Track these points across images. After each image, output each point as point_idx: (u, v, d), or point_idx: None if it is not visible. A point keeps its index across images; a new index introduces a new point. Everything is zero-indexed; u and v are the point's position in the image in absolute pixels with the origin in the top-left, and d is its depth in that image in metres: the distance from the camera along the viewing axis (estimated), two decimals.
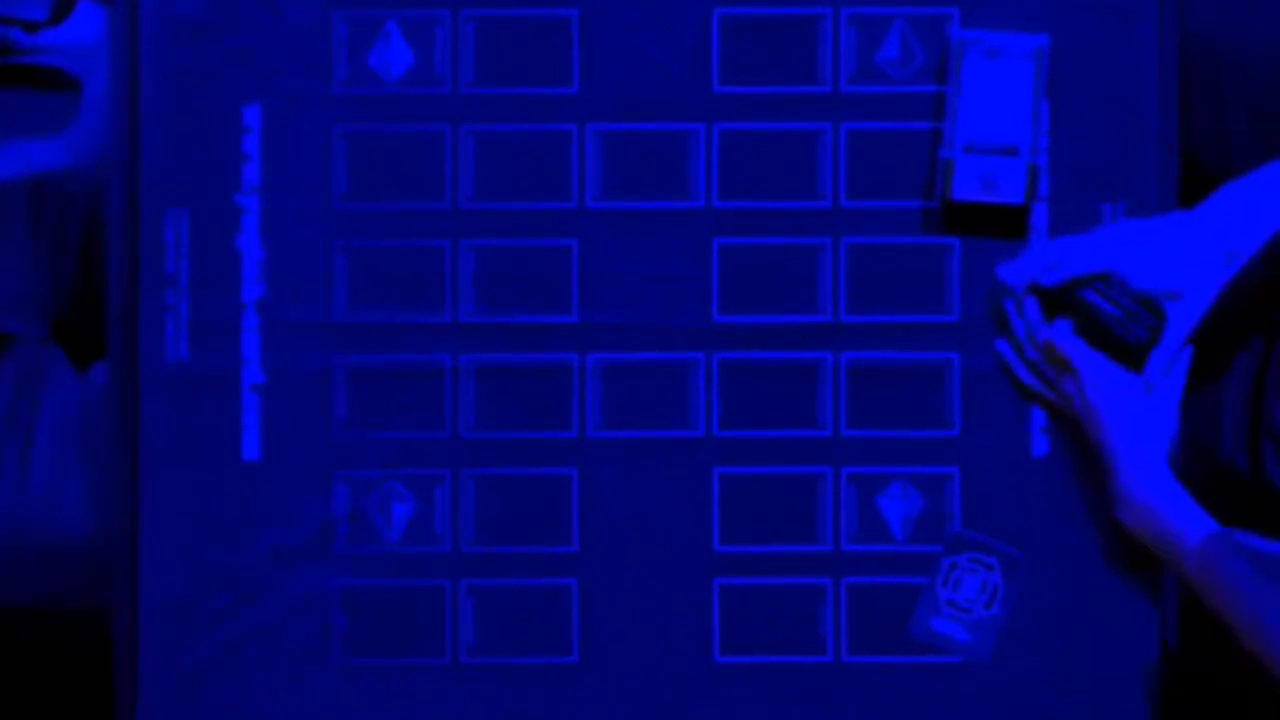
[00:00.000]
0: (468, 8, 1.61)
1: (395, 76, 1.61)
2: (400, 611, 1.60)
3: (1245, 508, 1.51)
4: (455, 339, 1.60)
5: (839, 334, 1.59)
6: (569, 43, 1.60)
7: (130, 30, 1.60)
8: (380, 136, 1.61)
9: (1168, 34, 1.59)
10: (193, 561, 1.59)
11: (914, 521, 1.60)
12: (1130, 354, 1.52)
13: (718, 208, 1.60)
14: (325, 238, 1.60)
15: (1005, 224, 1.59)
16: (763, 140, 1.60)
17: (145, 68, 1.60)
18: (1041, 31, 1.58)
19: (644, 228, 1.60)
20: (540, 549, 1.60)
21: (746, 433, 1.59)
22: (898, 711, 1.59)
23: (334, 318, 1.60)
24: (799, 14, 1.60)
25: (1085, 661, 1.58)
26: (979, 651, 1.59)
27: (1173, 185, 1.58)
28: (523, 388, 1.60)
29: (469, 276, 1.60)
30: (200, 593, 1.59)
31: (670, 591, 1.60)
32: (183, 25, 1.60)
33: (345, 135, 1.61)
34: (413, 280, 1.60)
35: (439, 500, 1.60)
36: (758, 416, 1.60)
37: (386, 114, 1.61)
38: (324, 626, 1.60)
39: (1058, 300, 1.54)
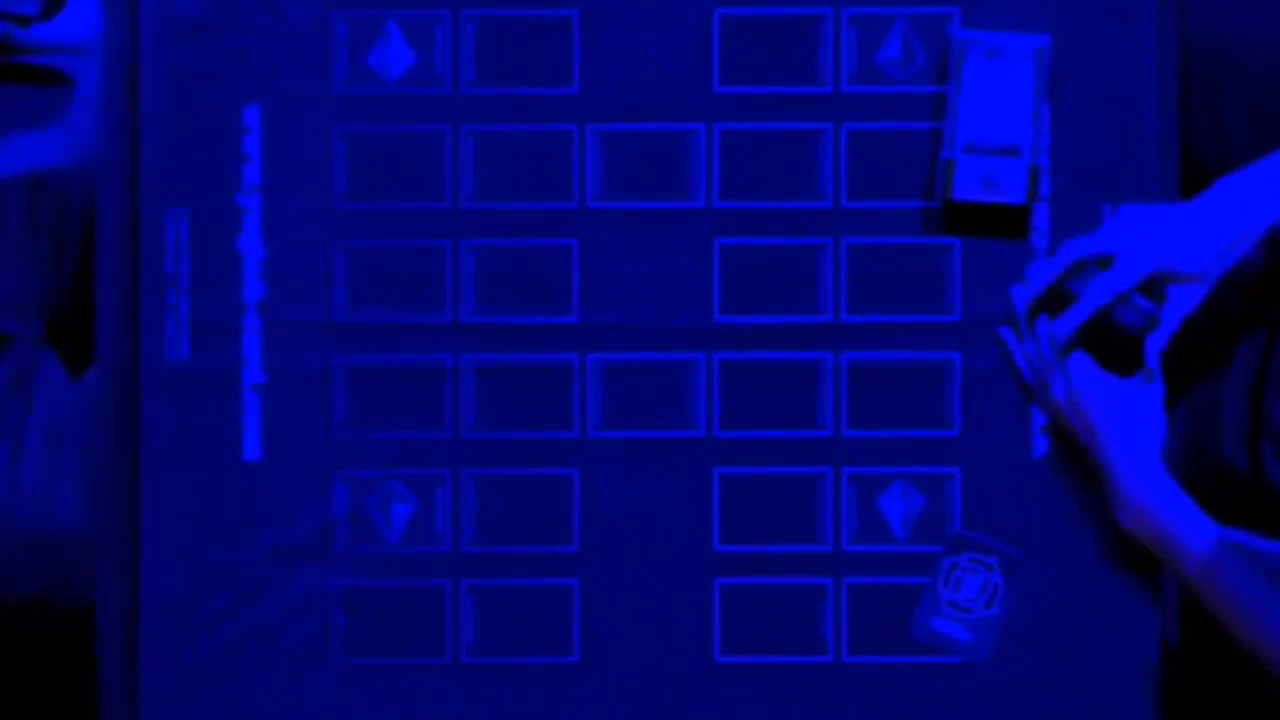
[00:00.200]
0: (468, 8, 1.60)
1: (395, 76, 1.61)
2: (400, 611, 1.60)
3: (1245, 508, 1.51)
4: (456, 339, 1.60)
5: (839, 334, 1.60)
6: (569, 43, 1.60)
7: (130, 30, 1.60)
8: (380, 136, 1.61)
9: (1168, 34, 1.59)
10: (193, 561, 1.59)
11: (914, 521, 1.60)
12: (1127, 343, 1.52)
13: (718, 208, 1.60)
14: (325, 238, 1.60)
15: (1006, 224, 1.59)
16: (763, 140, 1.60)
17: (145, 68, 1.60)
18: (1042, 31, 1.58)
19: (644, 228, 1.60)
20: (541, 549, 1.60)
21: (747, 433, 1.60)
22: (898, 711, 1.60)
23: (334, 318, 1.60)
24: (800, 14, 1.60)
25: (1085, 661, 1.59)
26: (979, 651, 1.59)
27: (1173, 185, 1.58)
28: (523, 388, 1.60)
29: (469, 276, 1.60)
30: (200, 593, 1.59)
31: (671, 591, 1.60)
32: (183, 25, 1.60)
33: (345, 135, 1.61)
34: (413, 280, 1.60)
35: (439, 500, 1.60)
36: (758, 416, 1.60)
37: (387, 114, 1.61)
38: (324, 626, 1.60)
39: (1055, 300, 1.55)
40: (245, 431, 1.60)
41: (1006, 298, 1.59)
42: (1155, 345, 1.52)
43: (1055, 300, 1.55)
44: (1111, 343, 1.53)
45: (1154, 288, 1.52)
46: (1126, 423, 1.52)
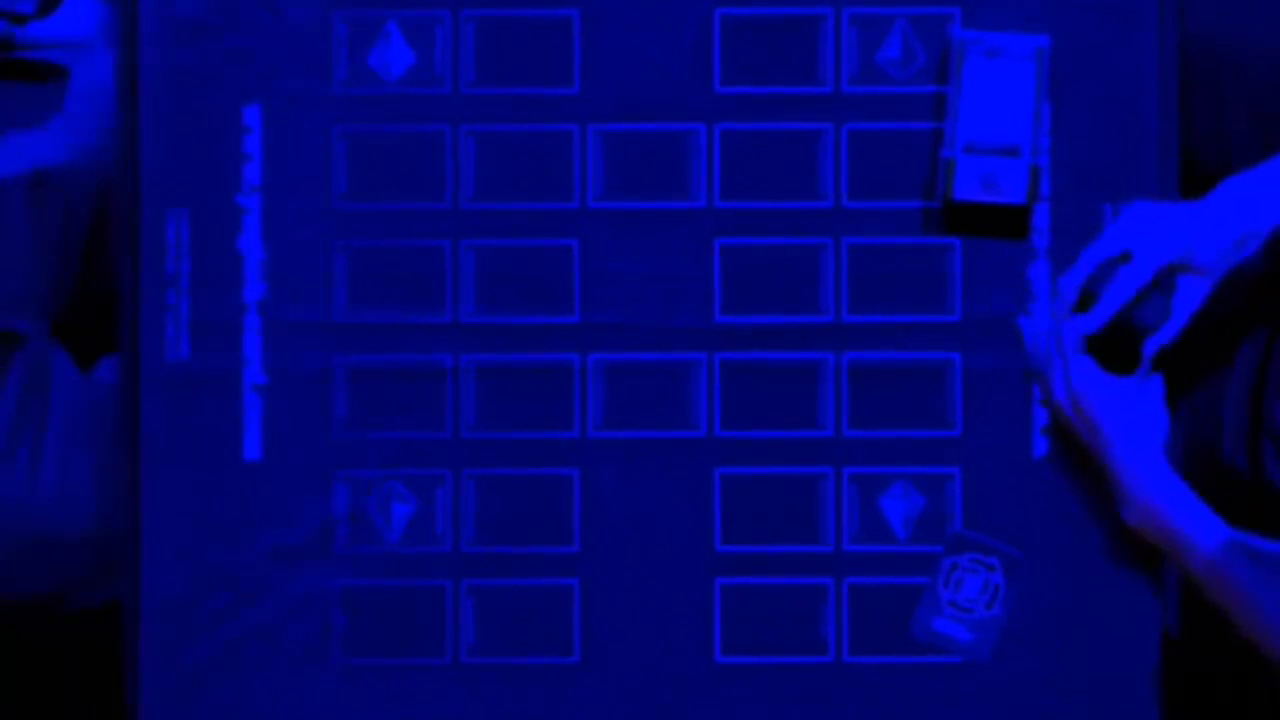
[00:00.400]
0: (468, 8, 1.60)
1: (395, 76, 1.61)
2: (400, 611, 1.60)
3: (1245, 507, 1.51)
4: (456, 339, 1.60)
5: (840, 334, 1.60)
6: (570, 43, 1.60)
7: (130, 30, 1.60)
8: (380, 136, 1.61)
9: (1168, 34, 1.59)
10: (193, 561, 1.59)
11: (915, 521, 1.60)
12: (1135, 341, 1.52)
13: (719, 208, 1.60)
14: (325, 238, 1.60)
15: (1006, 224, 1.59)
16: (764, 140, 1.60)
17: (145, 68, 1.60)
18: (1042, 32, 1.58)
19: (645, 228, 1.60)
20: (541, 549, 1.60)
21: (748, 433, 1.59)
22: (898, 711, 1.60)
23: (334, 318, 1.60)
24: (800, 14, 1.60)
25: (1085, 662, 1.59)
26: (980, 651, 1.59)
27: (1173, 185, 1.58)
28: (523, 388, 1.60)
29: (470, 276, 1.60)
30: (200, 593, 1.59)
31: (671, 591, 1.60)
32: (183, 25, 1.60)
33: (345, 135, 1.60)
34: (413, 280, 1.60)
35: (439, 500, 1.60)
36: (759, 416, 1.60)
37: (387, 114, 1.61)
38: (324, 626, 1.60)
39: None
40: (245, 431, 1.60)
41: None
42: (1156, 342, 1.52)
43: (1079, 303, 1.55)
44: (1122, 342, 1.53)
45: (1167, 282, 1.52)
46: (1129, 420, 1.52)
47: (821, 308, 1.60)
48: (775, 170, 1.60)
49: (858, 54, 1.60)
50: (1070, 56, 1.59)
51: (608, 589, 1.60)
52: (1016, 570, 1.59)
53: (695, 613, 1.60)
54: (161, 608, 1.59)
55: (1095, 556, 1.58)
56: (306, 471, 1.60)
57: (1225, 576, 1.46)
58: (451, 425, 1.60)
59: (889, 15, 1.59)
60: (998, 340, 1.59)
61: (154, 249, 1.60)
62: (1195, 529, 1.48)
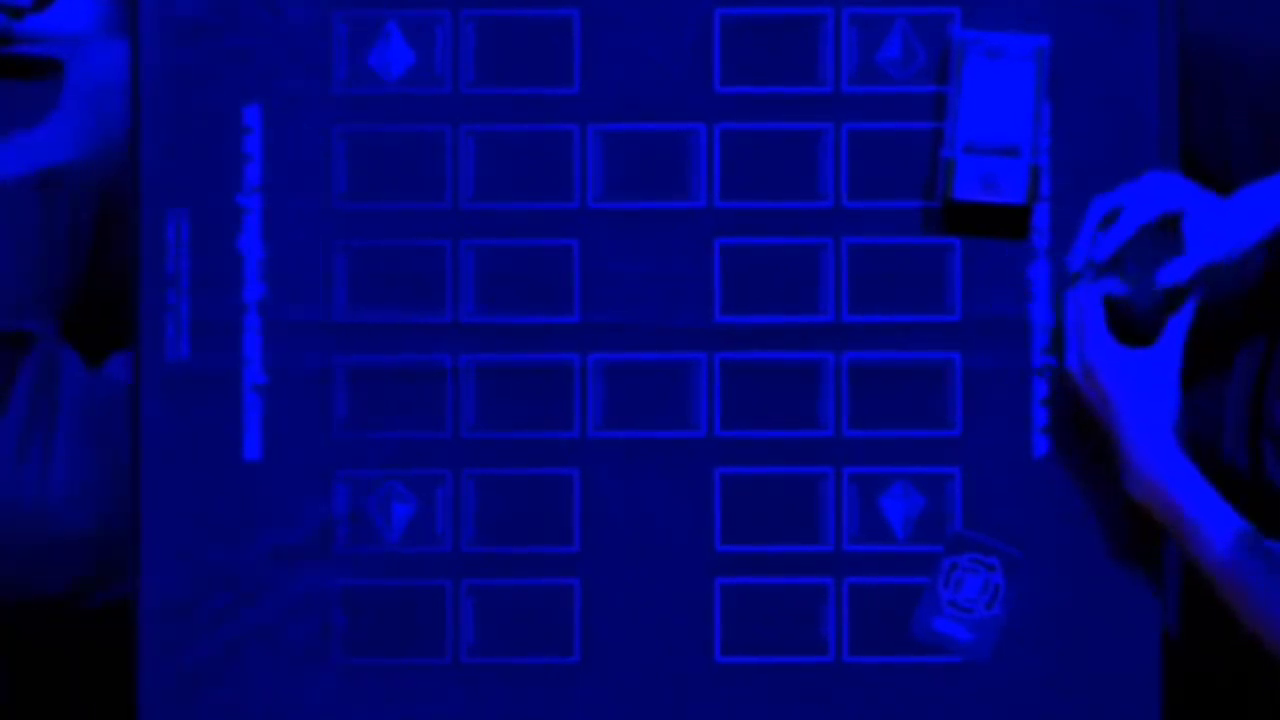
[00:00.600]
0: (468, 8, 1.60)
1: (395, 76, 1.61)
2: (400, 611, 1.60)
3: (1245, 508, 1.51)
4: (456, 339, 1.60)
5: (840, 334, 1.60)
6: (569, 43, 1.60)
7: (130, 30, 1.60)
8: (380, 136, 1.61)
9: (1168, 34, 1.59)
10: (193, 561, 1.59)
11: (915, 521, 1.60)
12: (1156, 312, 1.52)
13: (719, 208, 1.60)
14: (325, 238, 1.60)
15: (1006, 224, 1.59)
16: (764, 140, 1.60)
17: (145, 68, 1.60)
18: (1042, 31, 1.58)
19: (645, 228, 1.60)
20: (541, 549, 1.60)
21: (748, 433, 1.60)
22: (898, 711, 1.60)
23: (334, 318, 1.60)
24: (800, 14, 1.60)
25: (1085, 662, 1.59)
26: (980, 651, 1.59)
27: None
28: (523, 388, 1.60)
29: (469, 276, 1.60)
30: (200, 593, 1.59)
31: (671, 591, 1.60)
32: (183, 25, 1.60)
33: (345, 135, 1.60)
34: (413, 280, 1.60)
35: (439, 500, 1.60)
36: (759, 416, 1.60)
37: (386, 114, 1.61)
38: (324, 626, 1.60)
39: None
40: (245, 431, 1.60)
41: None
42: (1180, 323, 1.51)
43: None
44: (1140, 315, 1.52)
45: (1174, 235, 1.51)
46: (1141, 393, 1.51)
47: (821, 308, 1.60)
48: (775, 170, 1.60)
49: (858, 54, 1.60)
50: (1070, 56, 1.59)
51: (608, 589, 1.60)
52: (1016, 570, 1.59)
53: (695, 613, 1.60)
54: (161, 608, 1.59)
55: (1095, 556, 1.58)
56: (306, 471, 1.60)
57: (1233, 572, 1.46)
58: (451, 425, 1.60)
59: (889, 15, 1.59)
60: (998, 340, 1.59)
61: (154, 249, 1.60)
62: (1198, 508, 1.48)
